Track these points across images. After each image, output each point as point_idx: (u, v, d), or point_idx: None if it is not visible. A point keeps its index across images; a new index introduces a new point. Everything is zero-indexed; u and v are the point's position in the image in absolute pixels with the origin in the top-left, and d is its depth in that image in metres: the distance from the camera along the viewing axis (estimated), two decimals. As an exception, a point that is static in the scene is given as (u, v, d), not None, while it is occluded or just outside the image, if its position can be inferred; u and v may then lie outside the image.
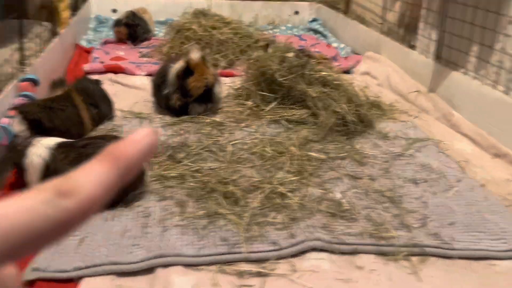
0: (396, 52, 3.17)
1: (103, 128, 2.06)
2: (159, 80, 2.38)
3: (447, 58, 2.64)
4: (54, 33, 2.82)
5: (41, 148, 1.51)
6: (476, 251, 1.41)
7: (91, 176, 0.28)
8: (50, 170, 1.48)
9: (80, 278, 1.27)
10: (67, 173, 0.28)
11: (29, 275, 1.25)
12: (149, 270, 1.31)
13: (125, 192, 1.53)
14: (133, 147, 0.30)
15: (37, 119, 1.81)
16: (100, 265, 1.29)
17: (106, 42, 3.73)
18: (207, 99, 2.31)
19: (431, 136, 2.24)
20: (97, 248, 1.35)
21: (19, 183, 1.60)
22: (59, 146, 1.52)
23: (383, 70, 3.10)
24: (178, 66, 2.26)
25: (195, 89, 2.22)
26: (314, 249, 1.39)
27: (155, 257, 1.31)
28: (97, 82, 2.17)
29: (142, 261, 1.30)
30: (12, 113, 1.84)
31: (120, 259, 1.31)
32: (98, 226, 1.44)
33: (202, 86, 2.23)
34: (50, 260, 1.29)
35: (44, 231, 0.26)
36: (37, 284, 1.25)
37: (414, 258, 1.39)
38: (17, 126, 1.79)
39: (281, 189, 1.65)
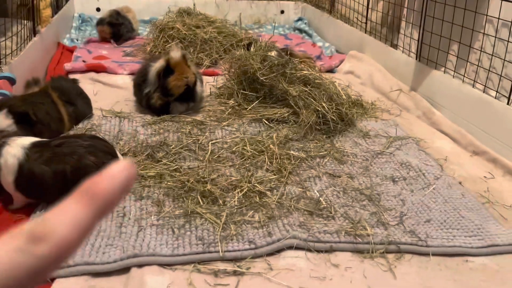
0: (379, 51, 3.19)
1: (81, 127, 2.04)
2: (140, 79, 2.36)
3: (428, 57, 2.65)
4: (34, 32, 2.79)
5: (15, 148, 1.49)
6: (450, 248, 1.42)
7: (65, 218, 0.27)
8: (24, 170, 1.46)
9: (53, 279, 1.26)
10: (43, 215, 0.27)
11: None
12: (123, 270, 1.30)
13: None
14: (110, 183, 0.29)
15: (24, 111, 1.78)
16: (74, 266, 1.28)
17: (89, 41, 3.70)
18: (188, 98, 2.30)
19: (411, 134, 2.25)
20: (71, 249, 1.33)
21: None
22: (34, 145, 1.50)
23: (366, 69, 3.11)
24: (158, 65, 2.24)
25: (176, 88, 2.21)
26: (290, 247, 1.39)
27: (130, 257, 1.30)
28: (74, 81, 2.15)
29: (116, 261, 1.29)
30: None
31: (94, 259, 1.30)
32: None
33: (183, 85, 2.22)
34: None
35: (19, 279, 0.25)
36: (9, 286, 1.23)
37: (390, 256, 1.40)
38: (4, 121, 1.74)
39: (260, 187, 1.65)
